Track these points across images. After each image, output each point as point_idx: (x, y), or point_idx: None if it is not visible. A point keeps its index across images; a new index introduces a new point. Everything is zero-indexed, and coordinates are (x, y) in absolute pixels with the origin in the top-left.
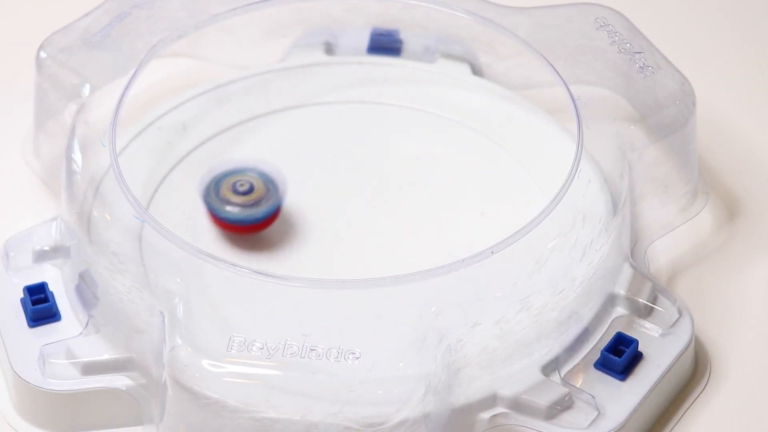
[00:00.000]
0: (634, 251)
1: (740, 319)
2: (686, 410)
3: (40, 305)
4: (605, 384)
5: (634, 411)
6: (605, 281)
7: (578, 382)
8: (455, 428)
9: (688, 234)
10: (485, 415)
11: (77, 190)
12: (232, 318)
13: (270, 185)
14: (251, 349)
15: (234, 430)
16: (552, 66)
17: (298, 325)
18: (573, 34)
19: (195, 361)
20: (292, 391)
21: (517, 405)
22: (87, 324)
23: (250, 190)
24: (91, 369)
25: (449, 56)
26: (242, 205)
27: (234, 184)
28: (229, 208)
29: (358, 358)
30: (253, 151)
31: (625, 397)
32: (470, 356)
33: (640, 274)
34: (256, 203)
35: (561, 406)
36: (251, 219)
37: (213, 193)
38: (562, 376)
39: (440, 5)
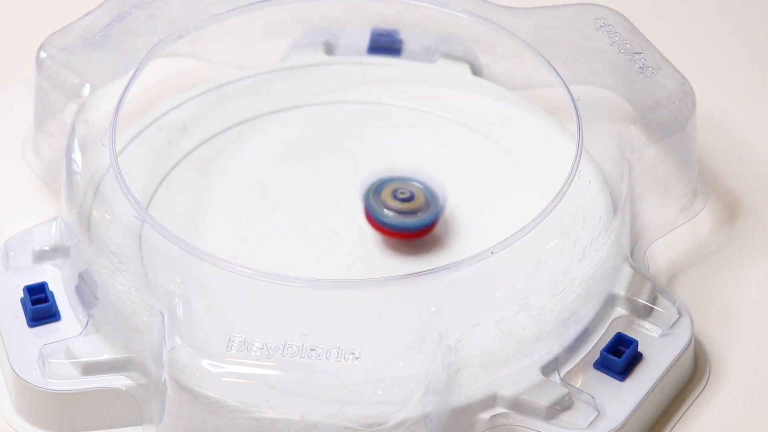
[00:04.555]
0: (634, 251)
1: (740, 319)
2: (686, 410)
3: (39, 305)
4: (605, 384)
5: (634, 411)
6: (605, 281)
7: (578, 383)
8: (455, 428)
9: (688, 234)
10: (485, 415)
11: (77, 190)
12: (232, 318)
13: (430, 197)
14: (251, 349)
15: (234, 430)
16: (552, 66)
17: (298, 325)
18: (573, 35)
19: (195, 361)
20: (292, 391)
21: (517, 405)
22: (87, 324)
23: (410, 198)
24: (90, 369)
25: (449, 56)
26: (399, 212)
27: (395, 191)
28: (386, 212)
29: (357, 358)
30: (253, 151)
31: (625, 397)
32: (470, 356)
33: (640, 275)
34: (412, 212)
35: (561, 407)
36: (406, 226)
37: (373, 194)
38: (561, 376)
39: (440, 5)
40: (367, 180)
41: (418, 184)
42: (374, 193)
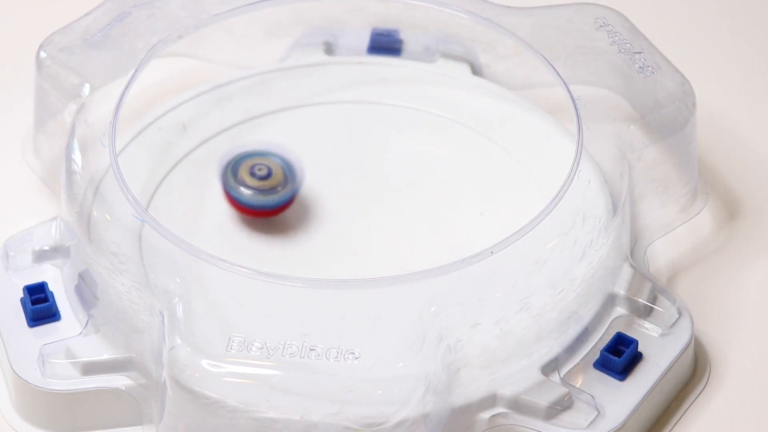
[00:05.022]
0: (634, 251)
1: (740, 319)
2: (686, 410)
3: (39, 305)
4: (605, 384)
5: (634, 411)
6: (605, 281)
7: (578, 382)
8: (455, 428)
9: (688, 234)
10: (485, 415)
11: (77, 190)
12: (232, 318)
13: (288, 173)
14: (251, 349)
15: (233, 430)
16: (552, 66)
17: (298, 325)
18: (573, 35)
19: (194, 361)
20: (292, 391)
21: (517, 405)
22: (87, 324)
23: (268, 176)
24: (90, 369)
25: (449, 56)
26: (257, 189)
27: (252, 167)
28: (243, 189)
29: (357, 358)
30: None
31: (625, 397)
32: (470, 356)
33: (640, 274)
34: (271, 189)
35: (560, 406)
36: (263, 205)
37: (230, 172)
38: (561, 376)
39: (440, 5)
40: (224, 156)
41: (276, 159)
42: (232, 170)
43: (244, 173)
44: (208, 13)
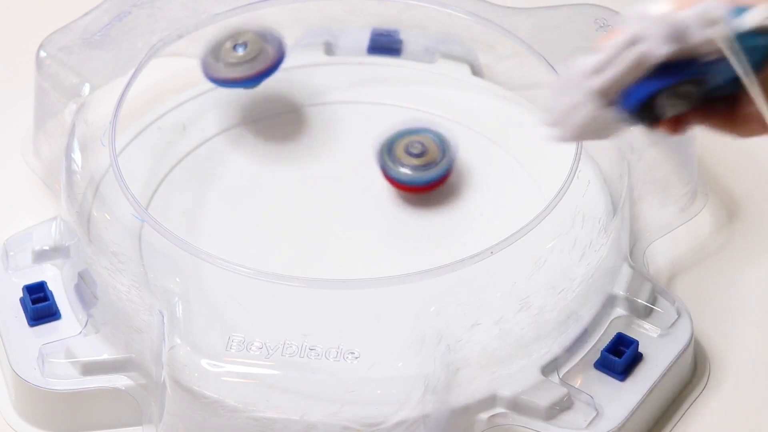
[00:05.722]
0: (634, 252)
1: (740, 319)
2: (686, 410)
3: (39, 304)
4: (604, 384)
5: (634, 411)
6: (604, 282)
7: (577, 383)
8: (454, 428)
9: (687, 234)
10: (484, 415)
11: (77, 190)
12: (232, 318)
13: (442, 147)
14: (250, 348)
15: (233, 430)
16: (552, 66)
17: (298, 324)
18: (573, 35)
19: (194, 360)
20: (291, 390)
21: (517, 405)
22: (86, 323)
23: (423, 153)
24: (90, 369)
25: (449, 56)
26: (414, 167)
27: (407, 146)
28: (402, 169)
29: (357, 358)
30: (253, 151)
31: (625, 397)
32: (469, 356)
33: (640, 275)
34: (427, 165)
35: (560, 407)
36: (421, 181)
37: (386, 153)
38: (561, 376)
39: (440, 5)
40: (378, 138)
41: (428, 135)
42: (388, 150)
43: (400, 152)
44: (208, 13)
